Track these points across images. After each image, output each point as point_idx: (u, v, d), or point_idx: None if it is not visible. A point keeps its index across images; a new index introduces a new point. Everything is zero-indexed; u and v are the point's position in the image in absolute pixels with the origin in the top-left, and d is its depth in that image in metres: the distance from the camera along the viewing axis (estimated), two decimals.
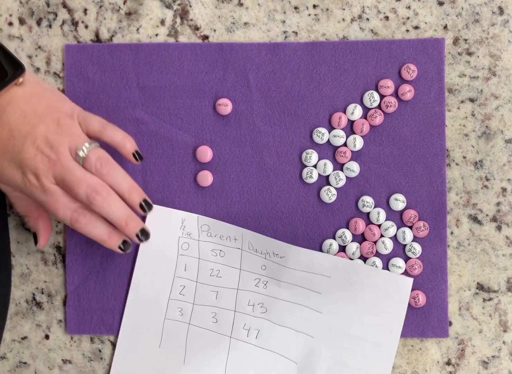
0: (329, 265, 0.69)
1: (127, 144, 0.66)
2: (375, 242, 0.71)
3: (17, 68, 0.64)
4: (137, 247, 0.71)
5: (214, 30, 0.72)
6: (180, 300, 0.71)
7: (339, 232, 0.71)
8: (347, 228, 0.71)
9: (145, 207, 0.67)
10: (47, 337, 0.73)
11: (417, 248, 0.70)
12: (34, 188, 0.64)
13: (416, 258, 0.70)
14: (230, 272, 0.70)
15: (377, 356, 0.68)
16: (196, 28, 0.72)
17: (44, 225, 0.69)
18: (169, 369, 0.70)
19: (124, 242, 0.67)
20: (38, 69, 0.72)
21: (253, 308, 0.70)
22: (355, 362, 0.69)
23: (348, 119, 0.71)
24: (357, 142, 0.70)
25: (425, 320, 0.70)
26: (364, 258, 0.71)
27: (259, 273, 0.70)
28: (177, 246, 0.71)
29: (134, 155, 0.67)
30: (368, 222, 0.71)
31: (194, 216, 0.70)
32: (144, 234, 0.67)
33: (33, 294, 0.73)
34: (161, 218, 0.70)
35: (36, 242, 0.69)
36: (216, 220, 0.70)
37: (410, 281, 0.68)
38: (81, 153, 0.64)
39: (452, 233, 0.71)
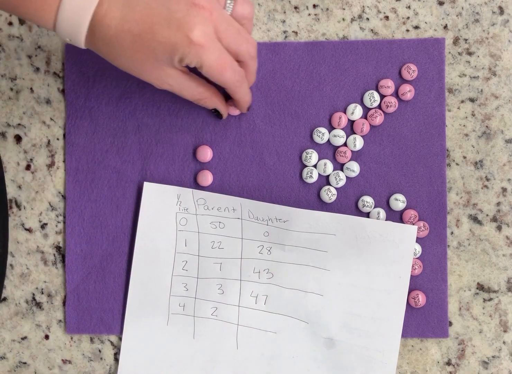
0: (334, 224, 0.69)
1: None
2: None
3: None
4: (134, 229, 0.71)
5: None
6: (184, 275, 0.71)
7: None
8: None
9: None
10: (47, 337, 0.73)
11: (417, 248, 0.70)
12: (193, 46, 0.59)
13: (416, 258, 0.70)
14: (231, 242, 0.70)
15: (389, 303, 0.69)
16: None
17: (220, 98, 0.68)
18: (179, 346, 0.71)
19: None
20: (38, 69, 0.72)
21: (259, 275, 0.70)
22: (368, 312, 0.69)
23: (348, 119, 0.71)
24: (357, 142, 0.70)
25: (425, 320, 0.70)
26: None
27: (261, 240, 0.70)
28: (175, 222, 0.71)
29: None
30: None
31: (188, 190, 0.71)
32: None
33: (33, 294, 0.73)
34: (157, 195, 0.71)
35: (220, 116, 0.70)
36: (211, 192, 0.71)
37: (414, 228, 0.69)
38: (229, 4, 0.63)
39: (452, 233, 0.71)
